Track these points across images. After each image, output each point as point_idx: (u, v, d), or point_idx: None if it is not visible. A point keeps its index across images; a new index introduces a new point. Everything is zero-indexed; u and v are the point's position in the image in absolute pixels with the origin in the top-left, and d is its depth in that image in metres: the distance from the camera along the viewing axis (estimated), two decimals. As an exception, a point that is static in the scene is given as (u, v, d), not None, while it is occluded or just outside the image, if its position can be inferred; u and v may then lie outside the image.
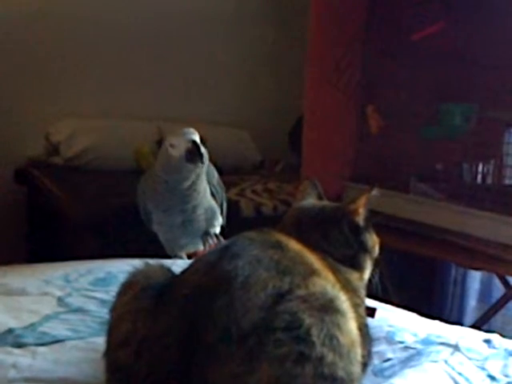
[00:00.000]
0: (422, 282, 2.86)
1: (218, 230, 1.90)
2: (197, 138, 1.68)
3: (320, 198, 1.19)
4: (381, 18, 2.47)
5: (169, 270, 0.97)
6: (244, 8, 3.71)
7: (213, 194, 1.85)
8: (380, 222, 1.12)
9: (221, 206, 1.91)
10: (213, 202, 1.85)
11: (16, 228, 3.13)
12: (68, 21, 3.22)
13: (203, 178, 1.78)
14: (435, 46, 2.33)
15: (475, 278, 3.00)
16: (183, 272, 0.93)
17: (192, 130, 1.71)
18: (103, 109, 3.34)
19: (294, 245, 0.93)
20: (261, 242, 0.91)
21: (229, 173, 2.35)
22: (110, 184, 2.85)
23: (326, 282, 0.88)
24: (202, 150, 1.68)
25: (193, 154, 1.66)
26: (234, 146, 3.51)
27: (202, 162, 1.68)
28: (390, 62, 2.41)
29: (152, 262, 1.01)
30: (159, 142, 2.63)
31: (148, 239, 1.89)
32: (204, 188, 1.80)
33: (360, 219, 1.08)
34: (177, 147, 1.68)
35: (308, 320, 0.81)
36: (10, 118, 3.14)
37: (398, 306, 1.49)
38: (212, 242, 1.89)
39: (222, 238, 1.88)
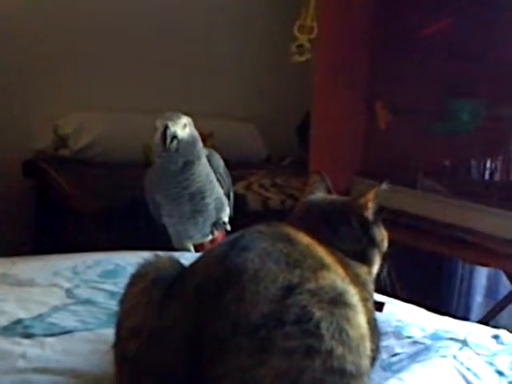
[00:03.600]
0: (428, 278, 2.85)
1: (226, 219, 1.90)
2: (175, 122, 1.69)
3: (329, 191, 1.19)
4: (389, 13, 2.46)
5: (178, 261, 0.97)
6: (252, 0, 3.70)
7: (220, 183, 1.85)
8: (386, 217, 1.12)
9: (228, 196, 1.91)
10: (221, 192, 1.85)
11: (24, 220, 3.14)
12: (76, 16, 3.22)
13: (201, 163, 1.78)
14: (444, 42, 2.33)
15: (482, 274, 2.99)
16: (193, 264, 0.93)
17: (176, 113, 1.72)
18: (111, 102, 3.34)
19: (304, 238, 0.93)
20: (270, 235, 0.91)
21: (236, 167, 2.34)
22: (118, 177, 2.85)
23: (336, 276, 0.88)
24: (177, 134, 1.69)
25: (162, 137, 1.68)
26: (242, 140, 3.51)
27: (165, 147, 1.69)
28: (399, 57, 2.40)
29: (161, 253, 1.01)
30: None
31: (156, 232, 1.89)
32: (207, 174, 1.80)
33: (369, 213, 1.07)
34: (157, 130, 1.71)
35: (318, 313, 0.81)
36: (19, 110, 3.15)
37: (405, 301, 1.49)
38: (220, 232, 1.89)
39: (228, 227, 1.89)
